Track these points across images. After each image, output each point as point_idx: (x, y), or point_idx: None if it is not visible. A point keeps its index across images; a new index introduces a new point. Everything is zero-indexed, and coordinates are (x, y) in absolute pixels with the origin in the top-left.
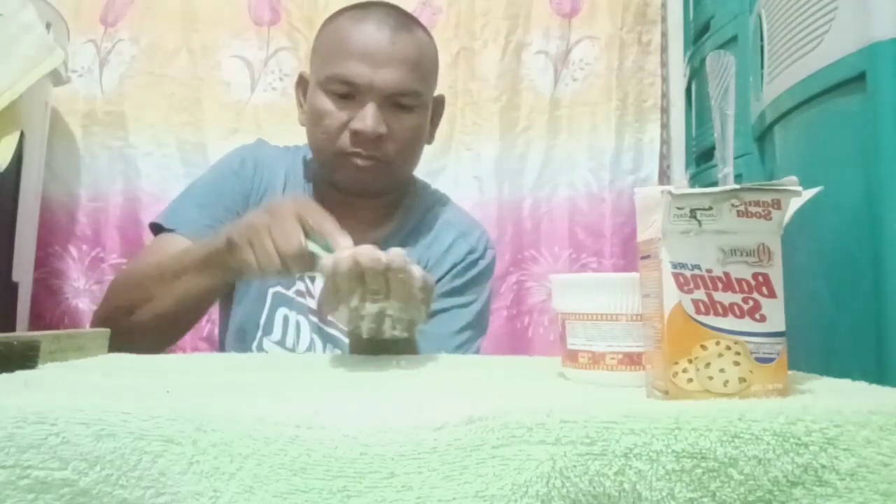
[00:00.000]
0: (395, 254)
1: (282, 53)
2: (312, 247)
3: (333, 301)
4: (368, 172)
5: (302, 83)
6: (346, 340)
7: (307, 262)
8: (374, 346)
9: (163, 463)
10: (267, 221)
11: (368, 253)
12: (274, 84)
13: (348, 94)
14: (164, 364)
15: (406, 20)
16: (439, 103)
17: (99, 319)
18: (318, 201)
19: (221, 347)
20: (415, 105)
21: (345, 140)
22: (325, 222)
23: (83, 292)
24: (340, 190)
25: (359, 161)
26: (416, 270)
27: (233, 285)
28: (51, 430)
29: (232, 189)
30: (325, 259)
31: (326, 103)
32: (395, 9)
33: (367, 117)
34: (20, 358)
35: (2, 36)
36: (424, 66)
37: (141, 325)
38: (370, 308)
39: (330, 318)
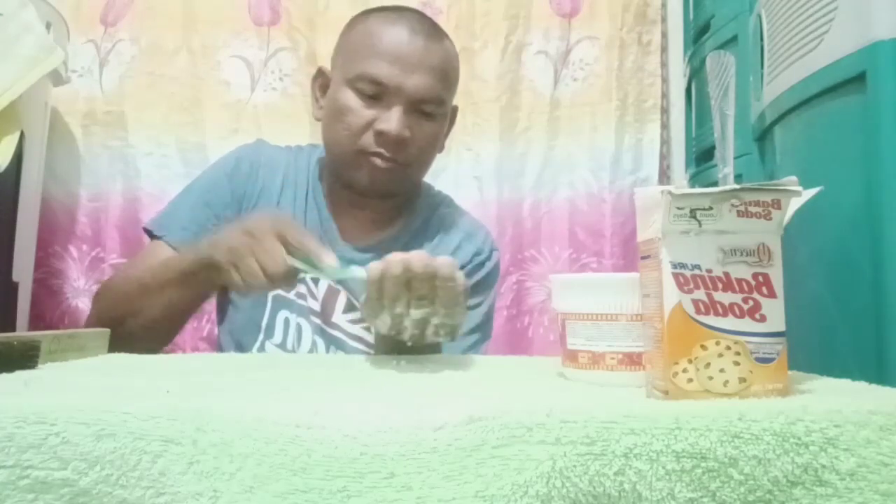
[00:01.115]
0: (445, 261)
1: (282, 53)
2: (295, 262)
3: (377, 307)
4: (385, 174)
5: (320, 78)
6: (350, 342)
7: (291, 278)
8: (400, 347)
9: (163, 463)
10: (248, 242)
11: (421, 259)
12: (274, 84)
13: (375, 94)
14: (164, 364)
15: (436, 29)
16: (454, 113)
17: (90, 325)
18: (326, 200)
19: (224, 346)
20: (437, 113)
21: (368, 139)
22: (306, 239)
23: (83, 292)
24: (352, 189)
25: (378, 161)
26: (461, 276)
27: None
28: (51, 430)
29: (223, 194)
30: (373, 264)
31: (352, 100)
32: (426, 17)
33: (394, 120)
34: (20, 358)
35: (2, 36)
36: (450, 75)
37: (131, 334)
38: (414, 314)
39: (367, 322)
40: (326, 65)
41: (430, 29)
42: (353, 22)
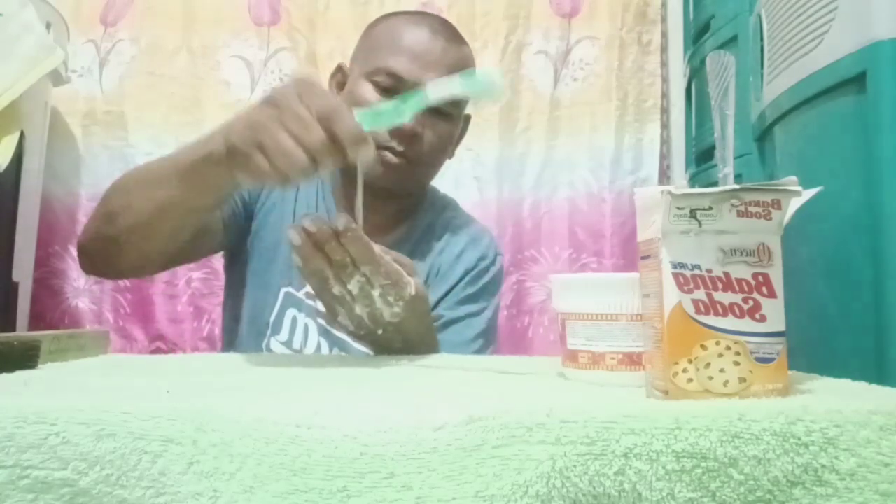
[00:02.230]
0: (339, 217)
1: (282, 53)
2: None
3: (317, 287)
4: (394, 170)
5: (339, 74)
6: (354, 344)
7: (338, 149)
8: (396, 351)
9: (163, 463)
10: (273, 113)
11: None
12: (274, 84)
13: (393, 87)
14: (164, 364)
15: (458, 35)
16: (466, 120)
17: (85, 228)
18: (336, 200)
19: (229, 339)
20: (451, 113)
21: (381, 132)
22: (343, 122)
23: (83, 292)
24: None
25: (389, 156)
26: (359, 229)
27: (241, 279)
28: (51, 430)
29: None
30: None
31: (369, 93)
32: (449, 22)
33: None
34: (20, 358)
35: (2, 36)
36: None
37: (118, 234)
38: (352, 287)
39: (337, 328)
40: (325, 65)
41: (452, 33)
42: (376, 21)
